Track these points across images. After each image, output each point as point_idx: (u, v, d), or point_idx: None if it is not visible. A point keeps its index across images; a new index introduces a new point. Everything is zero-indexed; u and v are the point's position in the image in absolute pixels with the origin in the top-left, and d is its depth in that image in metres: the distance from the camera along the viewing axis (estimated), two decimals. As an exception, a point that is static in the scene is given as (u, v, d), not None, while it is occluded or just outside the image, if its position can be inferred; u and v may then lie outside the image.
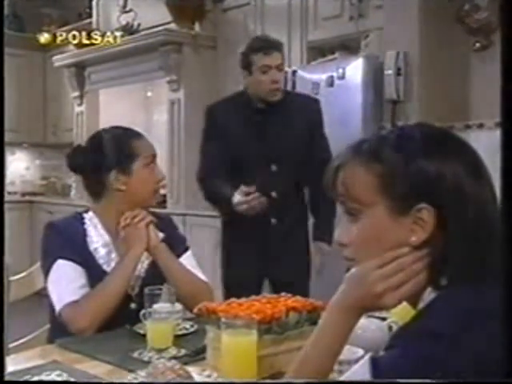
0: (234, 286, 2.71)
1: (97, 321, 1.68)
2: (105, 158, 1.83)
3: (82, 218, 1.86)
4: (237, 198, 2.54)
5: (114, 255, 1.83)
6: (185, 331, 1.70)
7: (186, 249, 1.98)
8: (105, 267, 1.80)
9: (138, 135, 1.92)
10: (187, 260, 1.94)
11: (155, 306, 1.59)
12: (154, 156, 1.89)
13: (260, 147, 2.70)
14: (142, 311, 1.60)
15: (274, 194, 2.70)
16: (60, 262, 1.74)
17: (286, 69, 3.49)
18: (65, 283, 1.73)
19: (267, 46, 2.69)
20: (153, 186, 1.87)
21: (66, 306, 1.71)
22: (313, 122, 2.79)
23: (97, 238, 1.83)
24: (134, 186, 1.84)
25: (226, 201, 2.59)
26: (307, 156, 2.74)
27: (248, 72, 2.71)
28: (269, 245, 2.72)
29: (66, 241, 1.78)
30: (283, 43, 2.87)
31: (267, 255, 2.73)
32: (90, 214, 1.87)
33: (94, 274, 1.78)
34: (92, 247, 1.81)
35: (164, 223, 1.97)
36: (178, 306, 1.73)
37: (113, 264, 1.81)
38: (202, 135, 2.84)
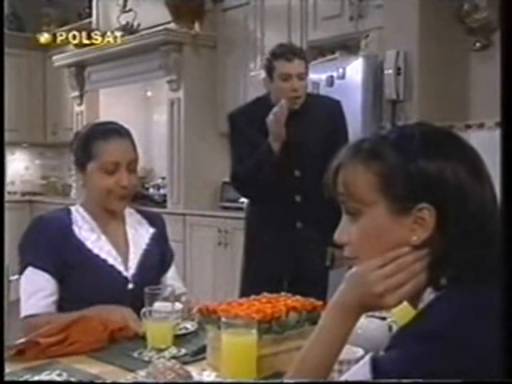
0: (254, 286, 2.74)
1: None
2: (74, 153, 1.93)
3: (69, 210, 1.93)
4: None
5: (103, 239, 1.88)
6: (185, 331, 1.70)
7: (171, 263, 2.04)
8: (96, 251, 1.85)
9: (107, 137, 1.86)
10: (172, 273, 2.02)
11: (155, 306, 1.58)
12: (115, 164, 1.84)
13: (283, 153, 2.65)
14: (143, 310, 1.60)
15: (298, 198, 2.72)
16: (30, 269, 1.80)
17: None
18: (32, 291, 1.79)
19: (289, 52, 2.67)
20: (105, 190, 1.85)
21: (27, 317, 1.77)
22: (336, 124, 2.79)
23: (84, 225, 1.88)
24: (88, 186, 1.90)
25: (264, 154, 2.61)
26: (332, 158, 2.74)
27: (270, 78, 2.70)
28: (293, 249, 2.73)
29: (46, 241, 1.81)
30: (305, 51, 2.86)
31: (291, 260, 2.73)
32: (77, 206, 1.94)
33: (86, 258, 1.83)
34: (81, 234, 1.86)
35: (155, 220, 2.03)
36: (178, 306, 1.73)
37: (104, 248, 1.86)
38: (229, 142, 2.86)
